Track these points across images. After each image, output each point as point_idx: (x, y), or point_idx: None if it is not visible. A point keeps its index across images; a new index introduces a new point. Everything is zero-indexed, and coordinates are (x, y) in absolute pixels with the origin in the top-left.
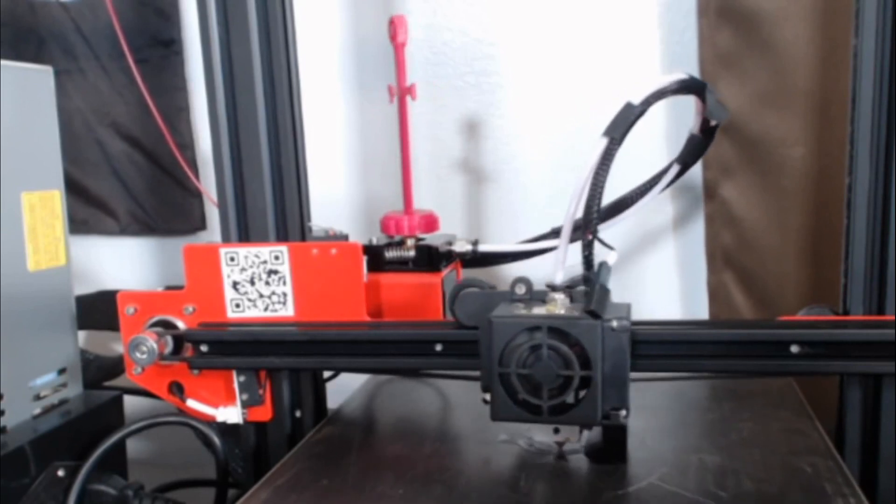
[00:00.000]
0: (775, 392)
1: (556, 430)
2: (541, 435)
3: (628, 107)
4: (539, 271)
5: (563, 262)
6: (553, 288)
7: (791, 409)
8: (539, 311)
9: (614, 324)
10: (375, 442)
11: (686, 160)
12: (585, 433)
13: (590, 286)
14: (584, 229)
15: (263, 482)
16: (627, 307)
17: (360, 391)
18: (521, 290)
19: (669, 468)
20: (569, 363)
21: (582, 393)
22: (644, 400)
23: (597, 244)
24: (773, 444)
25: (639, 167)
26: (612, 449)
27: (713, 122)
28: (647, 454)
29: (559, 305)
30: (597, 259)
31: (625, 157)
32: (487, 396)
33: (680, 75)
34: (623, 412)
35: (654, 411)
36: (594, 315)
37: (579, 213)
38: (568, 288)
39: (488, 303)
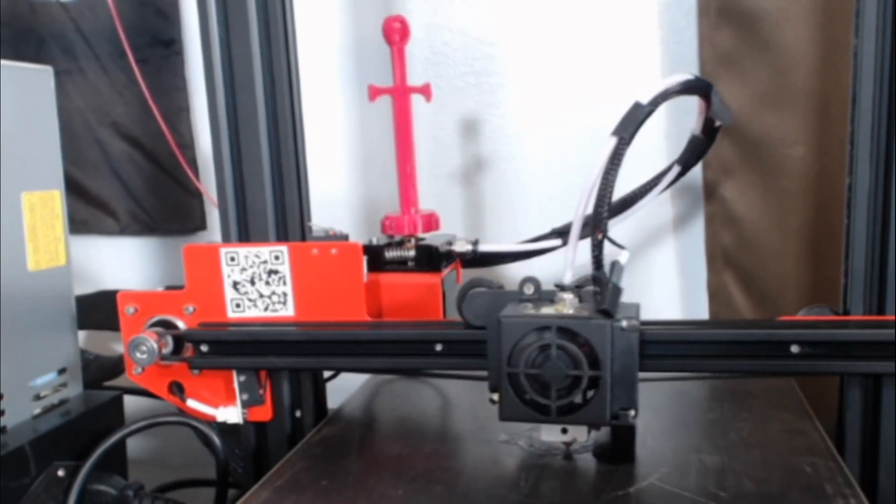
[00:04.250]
0: (775, 392)
1: (564, 431)
2: (548, 435)
3: (637, 106)
4: (539, 271)
5: (573, 262)
6: (562, 288)
7: (791, 409)
8: (548, 310)
9: (624, 324)
10: (375, 442)
11: (687, 161)
12: (593, 433)
13: (601, 286)
14: (594, 229)
15: (263, 482)
16: (636, 307)
17: (360, 391)
18: (529, 289)
19: (670, 468)
20: (578, 363)
21: (590, 393)
22: (645, 400)
23: (607, 244)
24: (773, 444)
25: (639, 167)
26: (620, 449)
27: (717, 123)
28: (648, 454)
29: (568, 305)
30: (606, 259)
31: (626, 157)
32: (495, 396)
33: (686, 76)
34: (632, 412)
35: (655, 411)
36: (607, 314)
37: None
38: (577, 288)
39: (496, 303)
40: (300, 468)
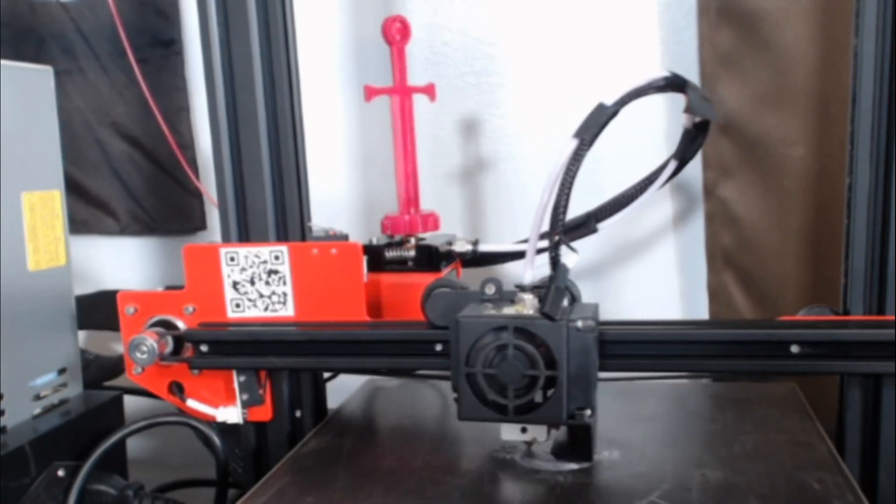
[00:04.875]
0: (779, 399)
1: (524, 430)
2: (508, 434)
3: (600, 108)
4: (539, 271)
5: (532, 263)
6: (522, 288)
7: (796, 418)
8: (508, 311)
9: (579, 324)
10: (375, 443)
11: (683, 155)
12: (553, 432)
13: (546, 288)
14: (551, 231)
15: (263, 483)
16: (595, 307)
17: (360, 391)
18: (490, 290)
19: (671, 484)
20: (534, 363)
21: (549, 392)
22: (645, 409)
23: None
24: (778, 457)
25: (639, 167)
26: (577, 448)
27: (697, 119)
28: (649, 468)
29: (528, 306)
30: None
31: (625, 155)
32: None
33: (656, 74)
34: (588, 411)
35: (655, 420)
36: (548, 317)
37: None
38: (536, 288)
39: (458, 303)
40: (299, 468)
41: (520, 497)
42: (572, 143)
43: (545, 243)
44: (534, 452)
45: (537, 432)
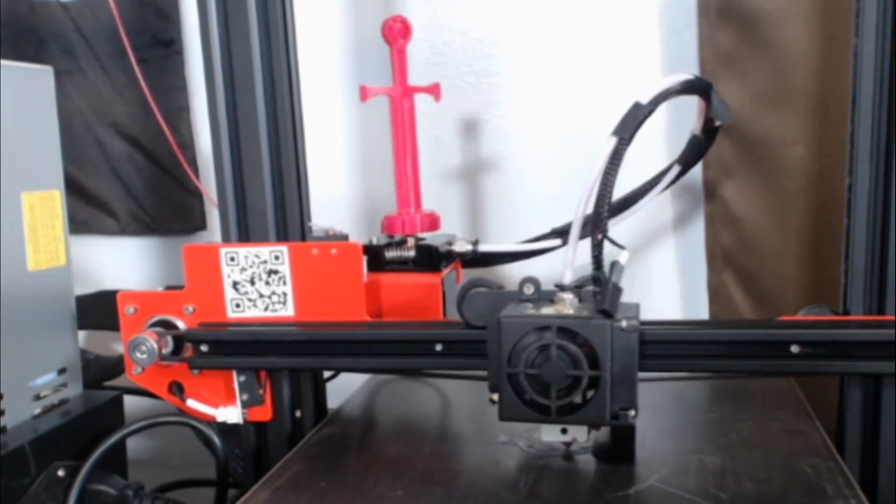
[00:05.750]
0: (775, 392)
1: (564, 431)
2: (548, 435)
3: (637, 106)
4: (539, 271)
5: (573, 262)
6: (562, 288)
7: (792, 409)
8: (548, 310)
9: (624, 324)
10: (375, 442)
11: (687, 161)
12: (593, 433)
13: (600, 286)
14: (594, 229)
15: (262, 483)
16: (636, 307)
17: (360, 391)
18: (529, 289)
19: (670, 469)
20: (578, 363)
21: (590, 393)
22: (644, 400)
23: (607, 244)
24: (773, 444)
25: (639, 167)
26: (620, 449)
27: (717, 123)
28: (648, 455)
29: (568, 305)
30: (607, 259)
31: (626, 158)
32: (495, 396)
33: (685, 75)
34: (632, 412)
35: (655, 412)
36: (606, 314)
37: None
38: (577, 288)
39: (497, 302)
40: (299, 469)
41: (524, 477)
42: (611, 142)
43: (556, 242)
44: (533, 438)
45: (578, 433)
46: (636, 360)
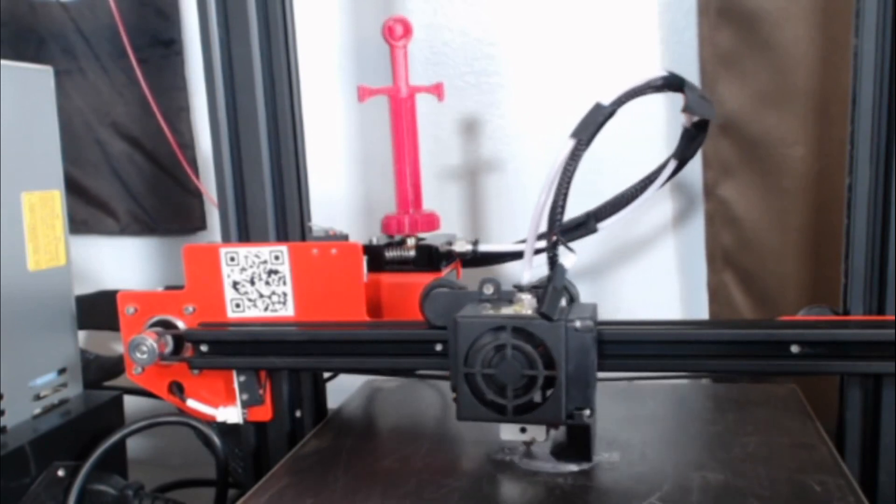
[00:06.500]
0: (779, 401)
1: (523, 430)
2: (507, 434)
3: (597, 107)
4: (539, 271)
5: (530, 263)
6: (520, 289)
7: (797, 419)
8: (506, 311)
9: (577, 324)
10: (375, 443)
11: (683, 155)
12: (552, 432)
13: (543, 289)
14: (549, 231)
15: (263, 483)
16: (593, 307)
17: (360, 391)
18: (489, 290)
19: (671, 486)
20: (533, 363)
21: (547, 392)
22: (645, 409)
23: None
24: (779, 459)
25: (639, 167)
26: (576, 448)
27: (695, 119)
28: (649, 470)
29: (526, 306)
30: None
31: (625, 155)
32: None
33: (654, 74)
34: (587, 411)
35: (655, 421)
36: (546, 317)
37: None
38: (535, 288)
39: (457, 303)
40: (298, 469)
41: (519, 499)
42: (569, 143)
43: (543, 243)
44: (533, 453)
45: (536, 432)
46: (592, 360)
